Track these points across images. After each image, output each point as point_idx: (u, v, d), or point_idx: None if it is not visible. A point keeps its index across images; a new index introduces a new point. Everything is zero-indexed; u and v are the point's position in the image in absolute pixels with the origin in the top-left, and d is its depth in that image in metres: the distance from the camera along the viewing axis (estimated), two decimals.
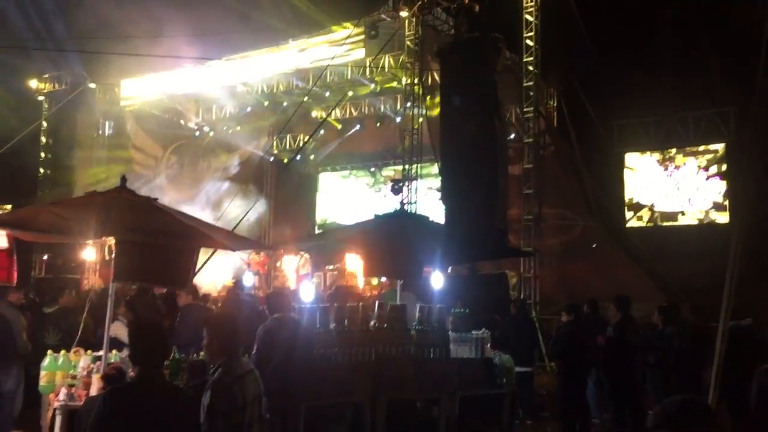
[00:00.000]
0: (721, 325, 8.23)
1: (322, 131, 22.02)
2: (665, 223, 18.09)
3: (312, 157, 23.96)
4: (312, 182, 24.55)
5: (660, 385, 8.60)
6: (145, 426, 3.87)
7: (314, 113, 22.28)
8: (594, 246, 19.18)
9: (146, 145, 24.48)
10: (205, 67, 21.13)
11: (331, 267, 16.50)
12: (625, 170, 18.55)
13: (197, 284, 13.56)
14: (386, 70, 19.64)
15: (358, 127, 22.40)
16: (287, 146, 23.59)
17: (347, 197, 23.34)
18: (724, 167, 17.15)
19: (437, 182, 17.41)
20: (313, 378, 6.86)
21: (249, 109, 22.59)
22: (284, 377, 6.47)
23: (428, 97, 18.86)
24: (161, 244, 6.03)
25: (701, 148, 17.40)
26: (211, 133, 23.89)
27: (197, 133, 24.01)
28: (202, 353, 5.61)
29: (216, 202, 20.76)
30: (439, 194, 16.77)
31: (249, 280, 14.32)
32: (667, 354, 8.53)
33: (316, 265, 15.97)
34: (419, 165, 19.10)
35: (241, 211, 18.30)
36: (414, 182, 18.71)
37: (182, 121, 23.90)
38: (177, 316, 8.72)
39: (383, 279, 11.55)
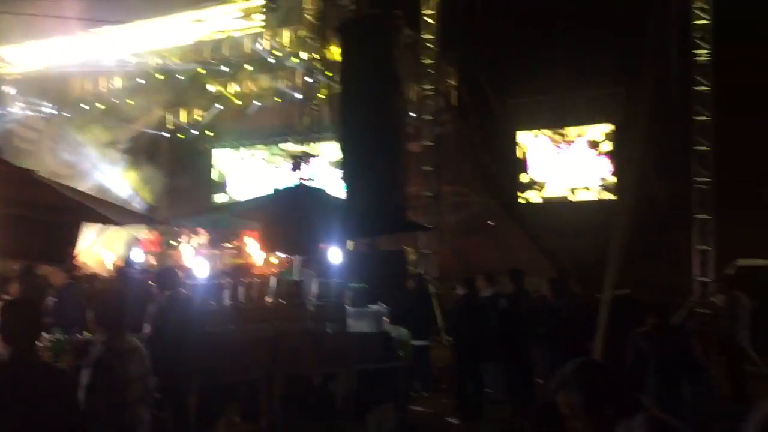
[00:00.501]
0: (606, 295, 8.65)
1: (219, 106, 21.41)
2: (557, 200, 18.72)
3: (208, 132, 23.28)
4: (208, 158, 23.86)
5: (550, 354, 8.88)
6: (19, 407, 3.62)
7: (211, 87, 21.60)
8: (491, 224, 19.67)
9: (27, 116, 23.03)
10: (94, 35, 20.05)
11: (229, 246, 16.17)
12: (521, 148, 19.05)
13: (84, 263, 12.95)
14: (286, 44, 19.27)
15: (256, 102, 21.91)
16: (182, 121, 22.80)
17: (245, 174, 22.86)
18: (612, 147, 17.88)
19: (338, 159, 17.35)
20: (207, 356, 6.68)
21: (141, 81, 21.63)
22: (176, 356, 6.27)
23: (329, 73, 18.67)
24: (38, 218, 5.66)
25: (592, 127, 18.07)
26: (101, 106, 22.74)
27: (85, 106, 22.80)
28: (87, 333, 5.34)
29: (105, 177, 19.85)
30: (339, 172, 16.79)
31: (138, 257, 13.75)
32: (557, 325, 8.82)
33: (213, 243, 15.64)
34: (319, 142, 18.94)
35: (132, 187, 17.59)
36: (314, 159, 18.53)
37: (68, 92, 22.62)
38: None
39: (283, 256, 11.35)
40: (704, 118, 14.39)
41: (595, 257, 13.11)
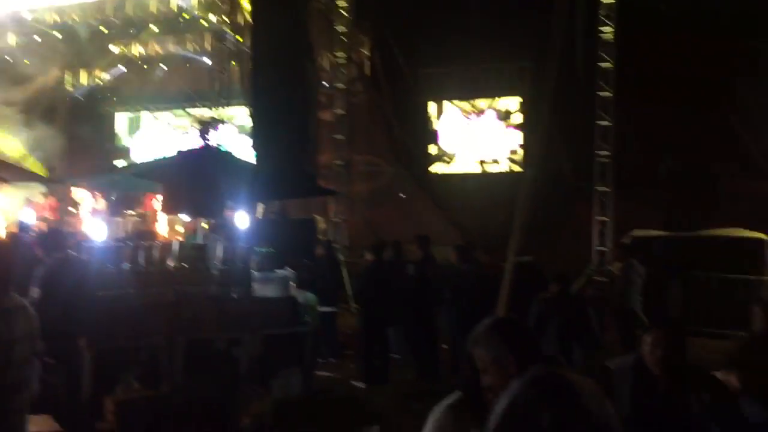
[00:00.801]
0: (509, 262, 8.90)
1: (122, 68, 20.52)
2: (467, 173, 19.01)
3: (111, 95, 22.32)
4: (110, 122, 22.89)
5: (455, 319, 9.06)
6: None
7: (114, 48, 20.65)
8: (402, 195, 19.81)
9: None
10: None
11: (132, 212, 15.62)
12: (431, 119, 19.19)
13: None
14: (194, 6, 18.62)
15: (162, 66, 21.13)
16: (82, 83, 21.73)
17: (149, 139, 22.07)
18: (520, 119, 18.27)
19: (247, 125, 17.00)
20: (104, 320, 6.43)
21: (37, 39, 20.43)
22: (70, 319, 6.01)
23: (239, 38, 18.20)
24: None
25: (502, 99, 18.38)
26: None
27: None
28: None
29: None
30: (249, 138, 16.45)
31: (29, 218, 12.98)
32: (462, 290, 8.99)
33: (115, 209, 15.05)
34: (229, 107, 18.48)
35: (26, 148, 16.67)
36: (223, 125, 18.07)
37: None
38: None
39: (188, 220, 11.01)
40: (607, 93, 14.87)
41: (502, 229, 13.47)
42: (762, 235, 12.91)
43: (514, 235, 11.09)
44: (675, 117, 14.54)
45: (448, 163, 19.23)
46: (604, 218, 14.92)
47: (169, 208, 8.14)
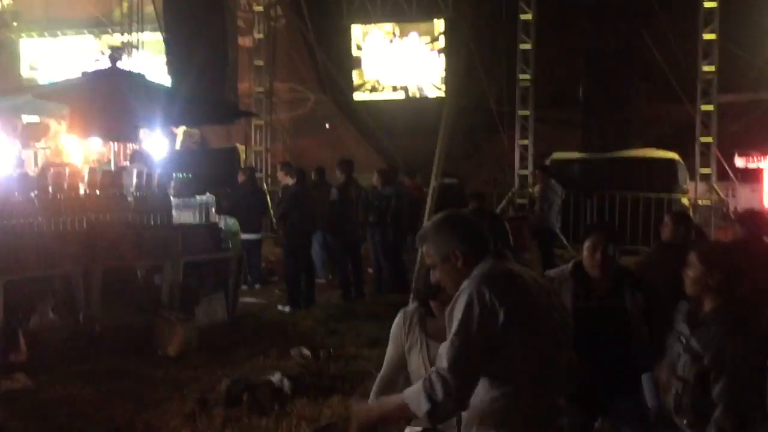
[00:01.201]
0: (432, 182, 8.96)
1: None
2: (391, 99, 18.87)
3: (13, 22, 20.92)
4: (14, 49, 21.51)
5: (380, 241, 9.12)
6: None
7: None
8: (327, 125, 19.57)
9: None
10: None
11: (42, 145, 14.88)
12: (353, 44, 18.84)
13: None
14: None
15: None
16: None
17: (57, 66, 20.86)
18: (445, 44, 18.14)
19: (160, 51, 16.31)
20: (13, 250, 6.16)
21: None
22: None
23: None
24: None
25: (424, 23, 18.16)
26: None
27: None
28: None
29: None
30: (162, 65, 15.79)
31: None
32: (386, 213, 9.04)
33: (24, 140, 14.27)
34: (140, 32, 17.61)
35: None
36: (136, 51, 17.27)
37: None
38: None
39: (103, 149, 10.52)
40: (527, 16, 14.87)
41: (427, 155, 13.53)
42: (674, 155, 13.42)
43: (438, 160, 11.17)
44: (594, 41, 14.70)
45: (373, 90, 19.02)
46: (525, 142, 15.15)
47: (78, 130, 7.73)
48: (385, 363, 2.84)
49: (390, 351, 2.79)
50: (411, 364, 2.70)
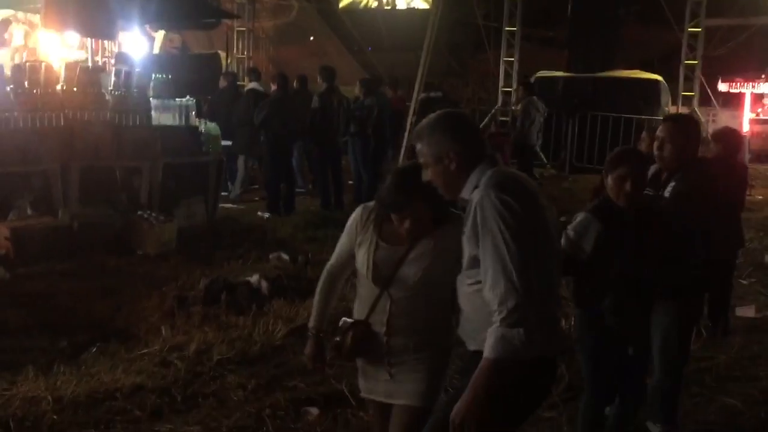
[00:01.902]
0: (415, 94, 8.93)
1: None
2: (376, 9, 18.47)
3: None
4: None
5: (360, 151, 9.11)
6: None
7: None
8: (311, 38, 19.16)
9: None
10: None
11: (19, 42, 14.42)
12: None
13: None
14: None
15: None
16: None
17: None
18: None
19: None
20: None
21: None
22: None
23: None
24: None
25: None
26: None
27: None
28: None
29: None
30: None
31: None
32: (367, 123, 8.99)
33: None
34: None
35: None
36: None
37: None
38: None
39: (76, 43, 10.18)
40: None
41: (411, 69, 13.40)
42: (658, 77, 13.38)
43: (422, 72, 11.10)
44: None
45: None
46: (511, 59, 15.00)
47: (53, 23, 7.49)
48: (335, 254, 2.79)
49: (343, 242, 2.74)
50: (357, 260, 2.66)
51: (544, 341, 2.21)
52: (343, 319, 2.73)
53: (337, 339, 2.68)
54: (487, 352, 2.18)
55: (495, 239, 2.17)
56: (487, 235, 2.19)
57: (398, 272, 2.57)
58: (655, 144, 3.44)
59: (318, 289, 2.83)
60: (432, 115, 2.45)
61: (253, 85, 9.57)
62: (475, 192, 2.27)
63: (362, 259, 2.63)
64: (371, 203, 2.71)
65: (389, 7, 18.49)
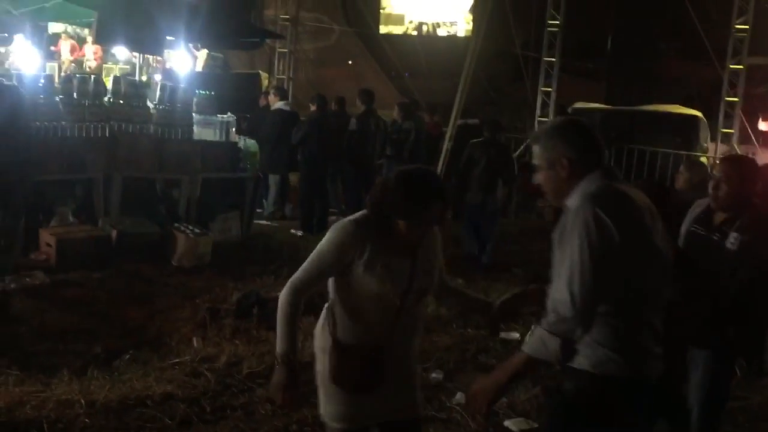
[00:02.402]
0: (452, 120, 8.99)
1: None
2: (416, 35, 18.64)
3: None
4: None
5: None
6: None
7: None
8: (350, 62, 19.40)
9: None
10: None
11: (70, 58, 14.88)
12: None
13: None
14: None
15: None
16: None
17: None
18: None
19: None
20: (38, 151, 6.27)
21: None
22: (4, 148, 5.82)
23: None
24: None
25: None
26: None
27: None
28: None
29: None
30: None
31: None
32: (404, 146, 9.07)
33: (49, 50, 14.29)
34: None
35: None
36: None
37: None
38: None
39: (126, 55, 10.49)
40: None
41: (449, 94, 13.47)
42: (697, 113, 13.28)
43: (459, 98, 11.15)
44: None
45: (398, 24, 18.76)
46: (548, 89, 15.02)
47: (104, 37, 7.72)
48: (308, 269, 2.54)
49: (326, 260, 2.50)
50: (359, 281, 2.46)
51: (607, 361, 2.23)
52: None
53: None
54: (526, 347, 2.29)
55: (573, 250, 2.18)
56: (567, 243, 2.20)
57: (414, 284, 2.50)
58: (711, 183, 3.41)
59: (285, 309, 2.54)
60: (554, 119, 2.52)
61: (280, 104, 9.70)
62: (575, 199, 2.27)
63: (374, 278, 2.45)
64: (355, 217, 2.55)
65: (428, 32, 18.64)
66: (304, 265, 2.56)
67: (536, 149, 2.41)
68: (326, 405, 2.66)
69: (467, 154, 7.95)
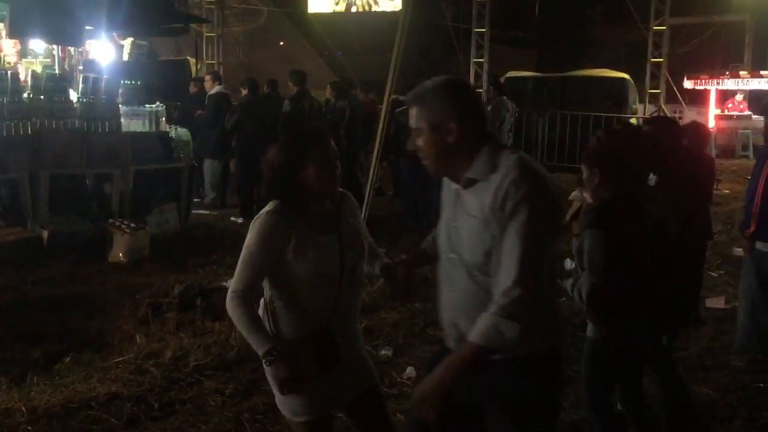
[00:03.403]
0: (386, 96, 8.93)
1: None
2: (345, 12, 18.46)
3: None
4: None
5: None
6: None
7: None
8: (281, 43, 19.12)
9: None
10: None
11: None
12: None
13: None
14: None
15: None
16: None
17: None
18: None
19: None
20: None
21: None
22: None
23: None
24: None
25: None
26: None
27: None
28: None
29: None
30: None
31: None
32: (339, 125, 9.00)
33: None
34: None
35: None
36: None
37: None
38: None
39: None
40: None
41: (382, 72, 13.41)
42: (625, 75, 13.58)
43: (392, 76, 11.10)
44: None
45: (326, 1, 18.52)
46: (481, 60, 15.12)
47: (18, 32, 7.39)
48: (248, 266, 2.40)
49: (258, 254, 2.37)
50: (293, 264, 2.38)
51: (541, 338, 2.15)
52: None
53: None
54: (476, 337, 2.04)
55: (522, 229, 2.00)
56: (515, 221, 2.01)
57: (346, 257, 2.45)
58: None
59: (242, 318, 2.39)
60: (438, 78, 2.19)
61: (218, 88, 9.52)
62: (498, 175, 2.05)
63: (308, 262, 2.38)
64: (271, 208, 2.41)
65: (357, 10, 18.47)
66: (239, 269, 2.42)
67: (416, 110, 2.14)
68: (285, 403, 2.53)
69: (395, 122, 8.06)
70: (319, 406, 2.52)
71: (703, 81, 14.41)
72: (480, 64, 15.12)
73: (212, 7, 16.08)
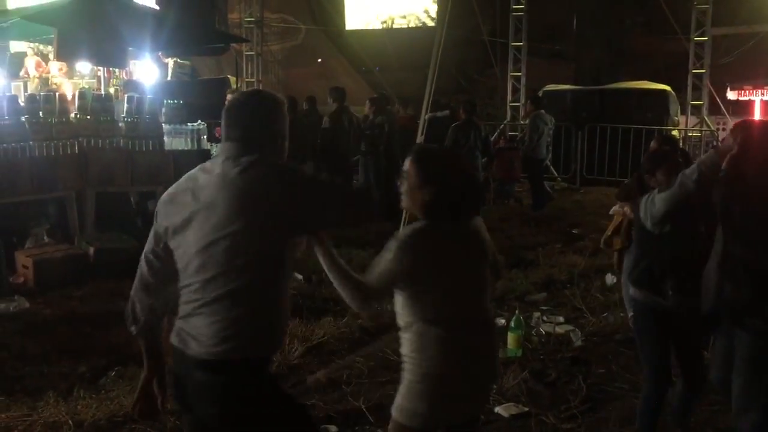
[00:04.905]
0: (423, 112, 8.99)
1: None
2: (381, 29, 18.60)
3: None
4: None
5: (372, 169, 9.15)
6: None
7: None
8: (319, 60, 19.33)
9: None
10: None
11: (35, 75, 14.64)
12: None
13: None
14: None
15: None
16: None
17: None
18: None
19: None
20: (6, 174, 6.19)
21: None
22: None
23: None
24: None
25: None
26: None
27: None
28: None
29: None
30: None
31: None
32: (378, 141, 9.06)
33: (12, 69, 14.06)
34: None
35: None
36: None
37: None
38: None
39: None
40: None
41: (419, 88, 13.48)
42: (666, 87, 13.39)
43: (428, 91, 11.15)
44: None
45: (363, 18, 18.69)
46: (518, 74, 15.06)
47: (66, 55, 7.62)
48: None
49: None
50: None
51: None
52: None
53: None
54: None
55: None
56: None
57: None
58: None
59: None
60: (243, 92, 2.35)
61: None
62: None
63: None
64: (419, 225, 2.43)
65: (394, 27, 18.60)
66: (377, 281, 2.41)
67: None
68: (409, 402, 2.38)
69: (452, 138, 8.33)
70: (432, 420, 2.38)
71: (747, 92, 14.12)
72: (517, 78, 15.05)
73: (251, 26, 16.35)
